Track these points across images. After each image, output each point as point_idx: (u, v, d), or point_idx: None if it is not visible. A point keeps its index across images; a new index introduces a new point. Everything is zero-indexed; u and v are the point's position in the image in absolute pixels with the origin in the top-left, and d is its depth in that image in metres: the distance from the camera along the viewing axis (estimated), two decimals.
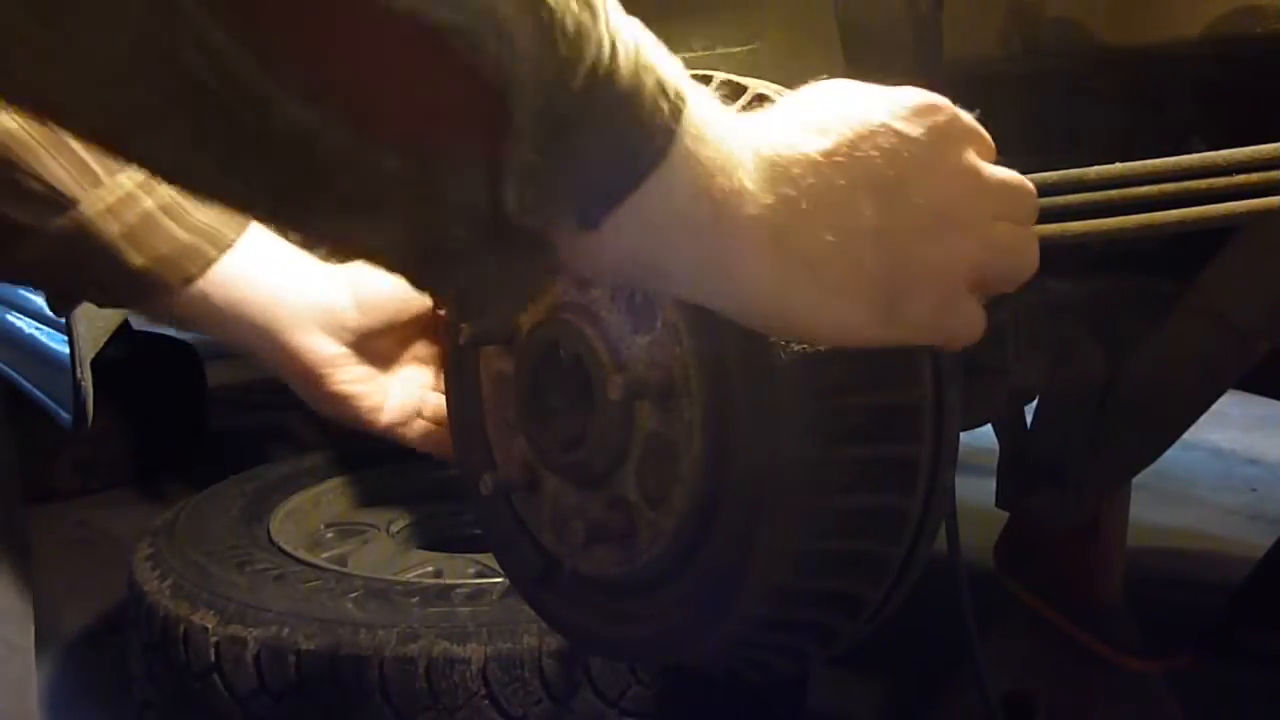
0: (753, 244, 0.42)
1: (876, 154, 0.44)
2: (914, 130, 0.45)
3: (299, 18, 0.31)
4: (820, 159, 0.43)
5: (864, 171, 0.44)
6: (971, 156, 0.47)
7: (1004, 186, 0.48)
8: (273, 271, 0.72)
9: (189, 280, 0.69)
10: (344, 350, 0.74)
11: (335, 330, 0.73)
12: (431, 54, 0.33)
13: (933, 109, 0.46)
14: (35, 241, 0.64)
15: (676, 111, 0.39)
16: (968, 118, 0.48)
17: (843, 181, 0.43)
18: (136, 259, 0.67)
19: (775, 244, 0.42)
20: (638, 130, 0.38)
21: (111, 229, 0.66)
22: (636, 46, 0.37)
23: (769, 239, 0.42)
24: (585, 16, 0.35)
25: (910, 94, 0.46)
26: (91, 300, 0.69)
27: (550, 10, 0.34)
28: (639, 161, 0.38)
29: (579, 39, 0.35)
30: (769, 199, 0.41)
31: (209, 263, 0.69)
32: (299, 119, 0.32)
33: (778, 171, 0.42)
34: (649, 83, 0.37)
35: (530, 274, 0.40)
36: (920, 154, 0.45)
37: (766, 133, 0.43)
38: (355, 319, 0.74)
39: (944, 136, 0.46)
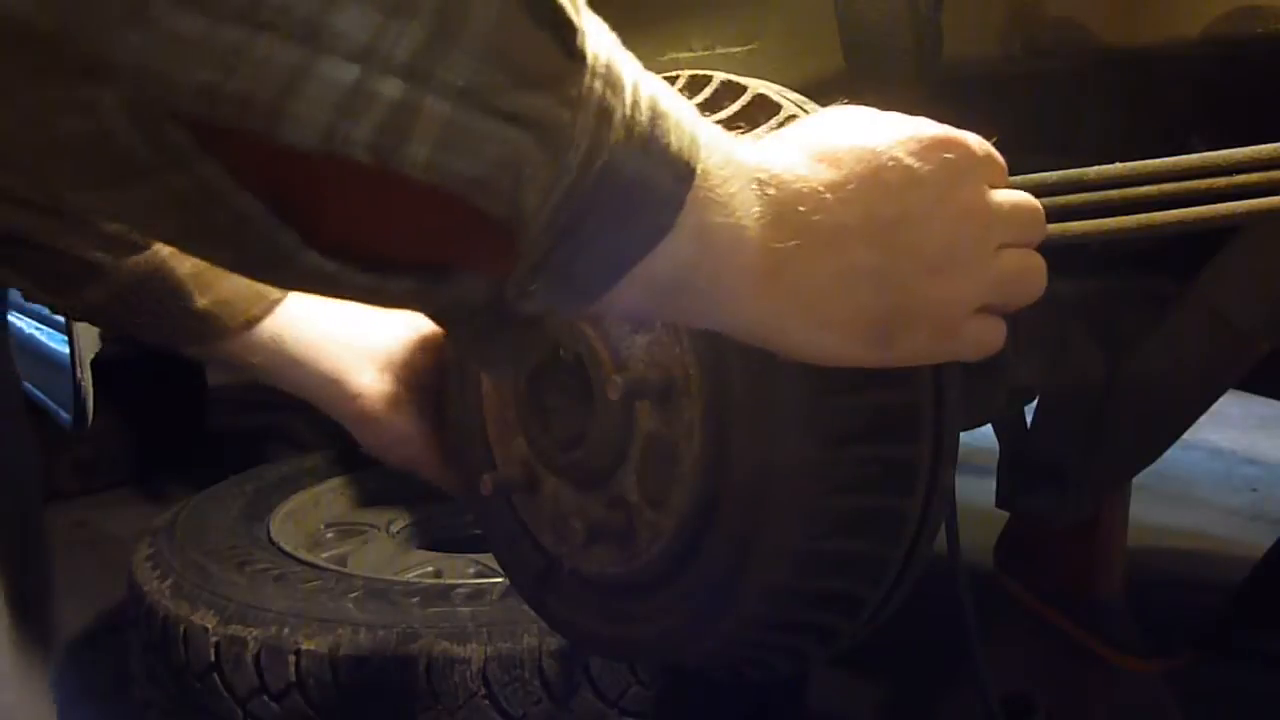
0: (751, 283, 0.42)
1: (884, 191, 0.43)
2: (924, 167, 0.44)
3: (329, 197, 0.33)
4: (827, 195, 0.42)
5: (869, 209, 0.43)
6: (982, 190, 0.46)
7: (1013, 214, 0.48)
8: (333, 314, 0.72)
9: (251, 322, 0.69)
10: (408, 392, 0.73)
11: (397, 370, 0.73)
12: (448, 207, 0.33)
13: (946, 144, 0.45)
14: (106, 280, 0.65)
15: (686, 179, 0.38)
16: (980, 148, 0.47)
17: (846, 219, 0.43)
18: (200, 300, 0.68)
19: (773, 281, 0.42)
20: (645, 211, 0.38)
21: (183, 268, 0.67)
22: (651, 114, 0.37)
23: (767, 277, 0.42)
24: (593, 121, 0.35)
25: (925, 127, 0.46)
26: (147, 340, 0.69)
27: (567, 134, 0.34)
28: (644, 240, 0.38)
29: (594, 150, 0.35)
30: (771, 241, 0.41)
31: (271, 305, 0.70)
32: (320, 266, 0.34)
33: (783, 210, 0.42)
34: (660, 159, 0.37)
35: (532, 336, 0.41)
36: (929, 193, 0.44)
37: (776, 163, 0.42)
38: (418, 357, 0.73)
39: (954, 174, 0.45)
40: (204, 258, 0.38)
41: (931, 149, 0.45)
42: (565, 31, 0.34)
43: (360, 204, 0.33)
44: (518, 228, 0.35)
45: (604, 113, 0.35)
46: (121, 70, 0.28)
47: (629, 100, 0.36)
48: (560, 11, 0.33)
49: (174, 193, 0.31)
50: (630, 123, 0.36)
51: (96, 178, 0.31)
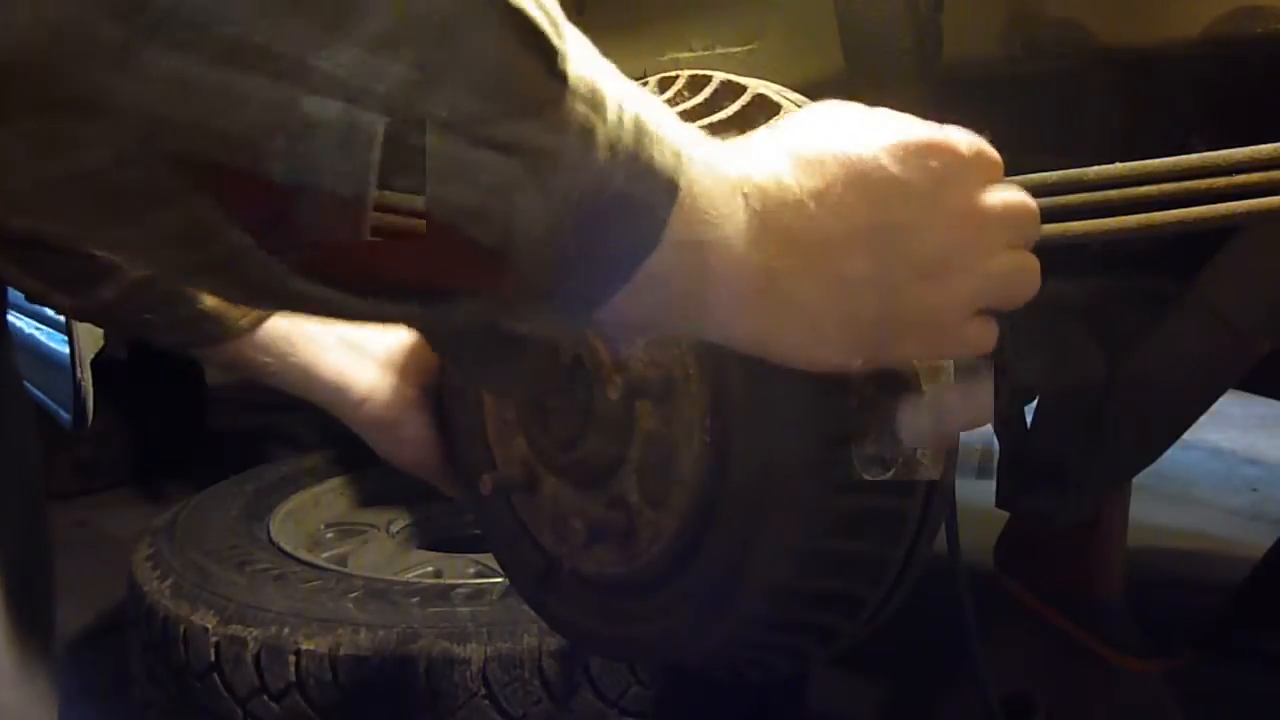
0: (742, 297, 0.42)
1: (870, 199, 0.42)
2: (911, 174, 0.43)
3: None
4: (811, 204, 0.42)
5: (855, 218, 0.42)
6: (972, 194, 0.45)
7: (1005, 215, 0.46)
8: None
9: (258, 321, 0.69)
10: (416, 393, 0.73)
11: (404, 370, 0.73)
12: (443, 236, 0.33)
13: (932, 149, 0.44)
14: (116, 279, 0.65)
15: (671, 194, 0.38)
16: (970, 148, 0.45)
17: (832, 229, 0.42)
18: (207, 299, 0.67)
19: (764, 294, 0.42)
20: (631, 233, 0.38)
21: None
22: (635, 132, 0.37)
23: (758, 290, 0.42)
24: (578, 143, 0.35)
25: (912, 130, 0.44)
26: (158, 340, 0.69)
27: (554, 158, 0.34)
28: (631, 257, 0.38)
29: (579, 172, 0.35)
30: (757, 254, 0.41)
31: None
32: (319, 294, 0.34)
33: (768, 222, 0.41)
34: (644, 176, 0.37)
35: (523, 357, 0.41)
36: (917, 200, 0.43)
37: (759, 172, 0.42)
38: (421, 355, 0.73)
39: (942, 181, 0.44)
40: (207, 291, 0.38)
41: (917, 154, 0.43)
42: (548, 57, 0.34)
43: (359, 244, 0.33)
44: (511, 253, 0.35)
45: (586, 134, 0.35)
46: (109, 110, 0.28)
47: (612, 119, 0.36)
48: (543, 38, 0.33)
49: (168, 229, 0.31)
50: (614, 142, 0.36)
51: (94, 214, 0.31)
